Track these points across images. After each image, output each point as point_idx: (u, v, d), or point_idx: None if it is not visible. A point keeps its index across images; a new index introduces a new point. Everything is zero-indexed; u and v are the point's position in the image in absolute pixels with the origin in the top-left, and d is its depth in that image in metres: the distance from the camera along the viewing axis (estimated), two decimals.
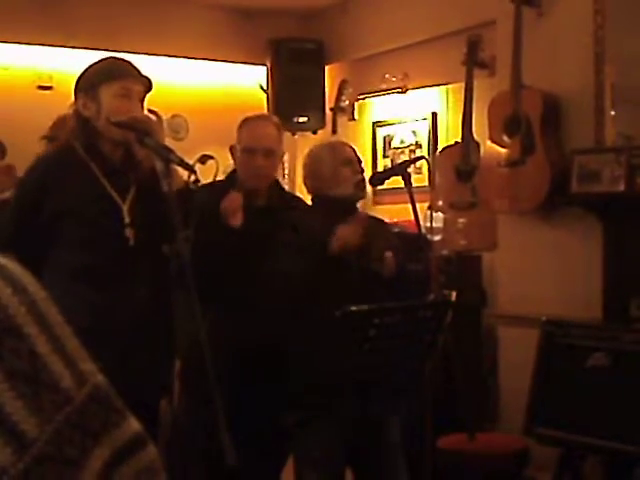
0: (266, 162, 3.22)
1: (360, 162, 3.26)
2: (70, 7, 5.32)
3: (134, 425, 0.72)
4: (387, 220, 3.68)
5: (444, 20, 5.01)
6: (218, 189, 3.18)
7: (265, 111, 5.64)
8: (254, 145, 3.21)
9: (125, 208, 2.66)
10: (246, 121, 3.32)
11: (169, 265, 2.54)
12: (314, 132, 5.89)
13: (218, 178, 3.28)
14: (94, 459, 0.68)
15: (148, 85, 2.70)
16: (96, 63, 2.73)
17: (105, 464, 0.69)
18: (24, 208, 2.66)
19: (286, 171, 6.18)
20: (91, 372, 0.70)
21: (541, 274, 4.21)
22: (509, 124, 4.09)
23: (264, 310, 3.02)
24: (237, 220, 3.07)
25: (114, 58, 2.77)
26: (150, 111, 2.85)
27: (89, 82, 2.67)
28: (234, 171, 3.34)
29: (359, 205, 3.33)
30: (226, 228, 3.05)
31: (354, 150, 3.30)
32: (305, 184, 3.27)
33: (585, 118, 4.01)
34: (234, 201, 3.10)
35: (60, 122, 3.84)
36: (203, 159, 4.77)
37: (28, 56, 5.36)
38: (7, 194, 4.15)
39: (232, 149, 3.30)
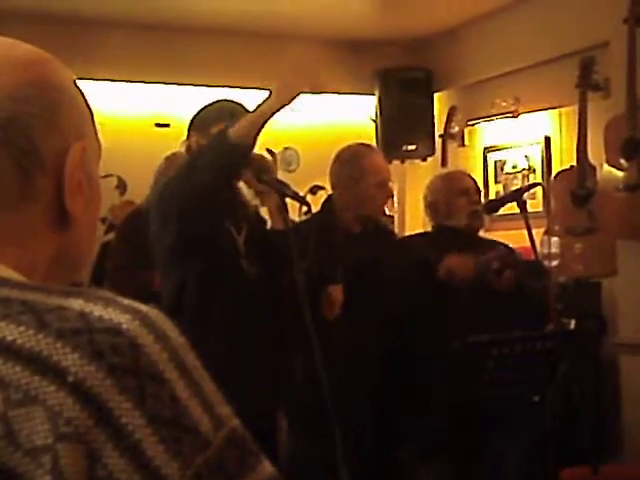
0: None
1: (478, 192, 3.25)
2: (186, 46, 5.49)
3: (269, 468, 0.73)
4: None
5: (555, 43, 4.93)
6: (316, 223, 3.11)
7: (374, 141, 5.66)
8: (386, 177, 3.19)
9: (240, 241, 2.71)
10: (363, 153, 3.25)
11: (287, 297, 2.57)
12: (423, 159, 5.88)
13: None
14: None
15: None
16: (209, 105, 2.83)
17: None
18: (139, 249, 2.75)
19: (395, 199, 6.18)
20: (228, 416, 0.72)
21: None
22: (626, 147, 3.98)
23: (369, 341, 3.02)
24: (334, 314, 2.98)
25: (226, 100, 2.85)
26: (267, 150, 2.92)
27: (202, 122, 2.76)
28: (327, 201, 3.30)
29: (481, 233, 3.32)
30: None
31: (473, 180, 3.30)
32: (425, 214, 3.30)
33: None
34: (337, 299, 2.98)
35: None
36: (314, 189, 4.83)
37: (146, 94, 5.56)
38: (110, 236, 4.30)
39: (347, 182, 3.24)
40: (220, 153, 2.39)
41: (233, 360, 2.48)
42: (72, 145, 0.80)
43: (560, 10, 4.91)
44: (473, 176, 3.52)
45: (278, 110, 2.38)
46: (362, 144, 3.38)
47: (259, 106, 2.42)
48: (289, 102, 2.39)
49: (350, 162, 3.21)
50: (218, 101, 2.85)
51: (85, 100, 0.86)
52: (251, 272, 2.69)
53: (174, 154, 4.01)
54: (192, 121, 2.81)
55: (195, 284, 2.61)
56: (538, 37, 5.06)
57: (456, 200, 3.18)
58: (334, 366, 2.86)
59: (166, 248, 2.58)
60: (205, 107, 2.83)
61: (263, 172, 2.62)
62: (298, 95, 2.37)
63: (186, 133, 2.83)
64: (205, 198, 2.42)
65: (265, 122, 2.41)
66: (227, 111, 2.75)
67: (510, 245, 3.61)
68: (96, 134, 0.87)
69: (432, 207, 3.33)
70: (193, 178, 2.42)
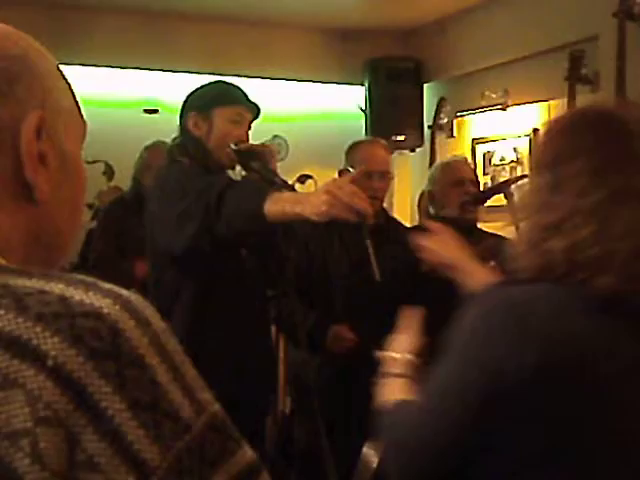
0: (381, 184, 3.24)
1: (474, 183, 3.25)
2: (174, 32, 5.47)
3: (249, 453, 0.74)
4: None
5: (545, 36, 4.94)
6: None
7: (363, 131, 5.67)
8: (371, 168, 3.22)
9: None
10: (359, 145, 3.37)
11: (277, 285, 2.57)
12: (412, 150, 5.89)
13: None
14: None
15: (257, 113, 2.73)
16: (209, 84, 2.75)
17: None
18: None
19: None
20: (208, 401, 0.72)
21: None
22: None
23: (363, 323, 3.04)
24: (338, 349, 3.05)
25: (228, 83, 2.79)
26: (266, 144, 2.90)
27: (203, 102, 2.66)
28: None
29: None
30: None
31: (471, 170, 3.29)
32: (427, 204, 3.32)
33: None
34: (344, 339, 3.04)
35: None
36: (302, 179, 4.83)
37: (134, 80, 5.53)
38: (93, 224, 4.30)
39: (342, 173, 3.27)
40: (251, 220, 2.26)
41: (229, 351, 2.48)
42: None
43: (550, 3, 4.91)
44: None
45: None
46: (367, 138, 3.49)
47: (300, 197, 2.30)
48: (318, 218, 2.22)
49: (348, 154, 3.36)
50: (218, 82, 2.80)
51: (60, 72, 0.85)
52: (249, 260, 2.68)
53: (155, 143, 3.99)
54: (187, 100, 2.70)
55: (193, 279, 2.58)
56: (528, 30, 5.07)
57: (450, 190, 3.17)
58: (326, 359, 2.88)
59: (163, 251, 2.54)
60: (204, 86, 2.74)
61: (252, 159, 2.60)
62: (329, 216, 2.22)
63: (181, 112, 2.70)
64: (219, 246, 2.37)
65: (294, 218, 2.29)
66: (231, 95, 2.70)
67: (505, 236, 3.61)
68: (78, 112, 0.86)
69: (429, 197, 3.32)
70: (217, 228, 2.30)
